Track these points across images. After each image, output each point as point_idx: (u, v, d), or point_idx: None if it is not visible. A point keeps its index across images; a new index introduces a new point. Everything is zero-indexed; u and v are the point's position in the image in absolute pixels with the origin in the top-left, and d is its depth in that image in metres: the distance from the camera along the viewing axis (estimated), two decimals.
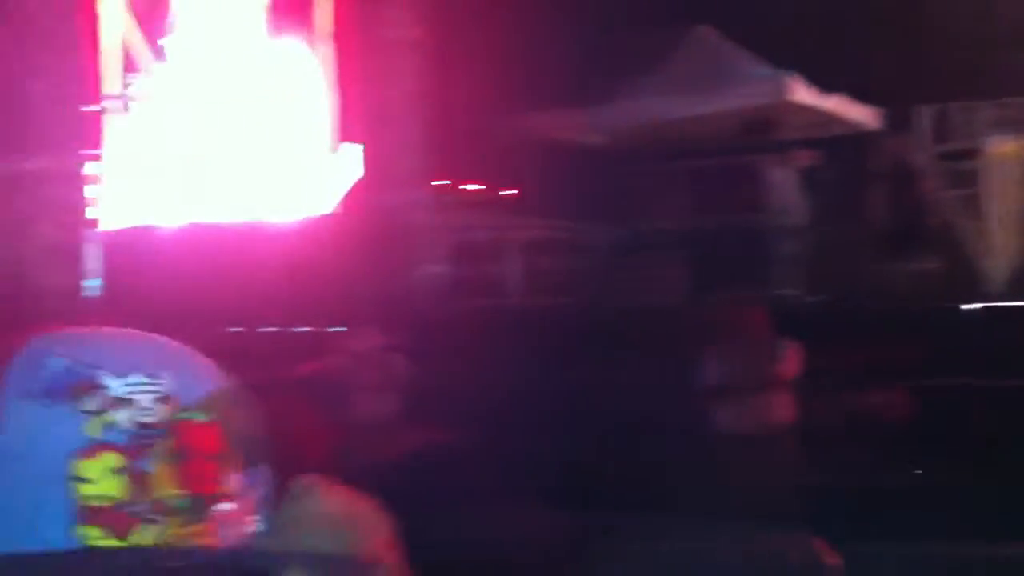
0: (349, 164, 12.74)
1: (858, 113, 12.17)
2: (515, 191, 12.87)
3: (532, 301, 11.22)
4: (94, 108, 14.54)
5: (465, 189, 13.30)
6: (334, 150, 12.70)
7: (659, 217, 11.94)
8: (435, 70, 12.27)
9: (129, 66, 14.35)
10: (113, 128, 14.48)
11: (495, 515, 3.60)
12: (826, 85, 11.89)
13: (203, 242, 13.56)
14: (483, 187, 13.26)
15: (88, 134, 14.57)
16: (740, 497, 7.23)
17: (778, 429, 7.29)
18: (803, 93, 11.86)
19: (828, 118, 11.96)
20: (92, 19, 14.62)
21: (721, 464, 7.30)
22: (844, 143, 12.06)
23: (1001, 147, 11.57)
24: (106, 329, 1.29)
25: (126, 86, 14.34)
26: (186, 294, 12.60)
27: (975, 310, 9.25)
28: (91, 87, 14.56)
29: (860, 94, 12.15)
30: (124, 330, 1.27)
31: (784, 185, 11.72)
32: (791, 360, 7.41)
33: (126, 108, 14.37)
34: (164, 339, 1.29)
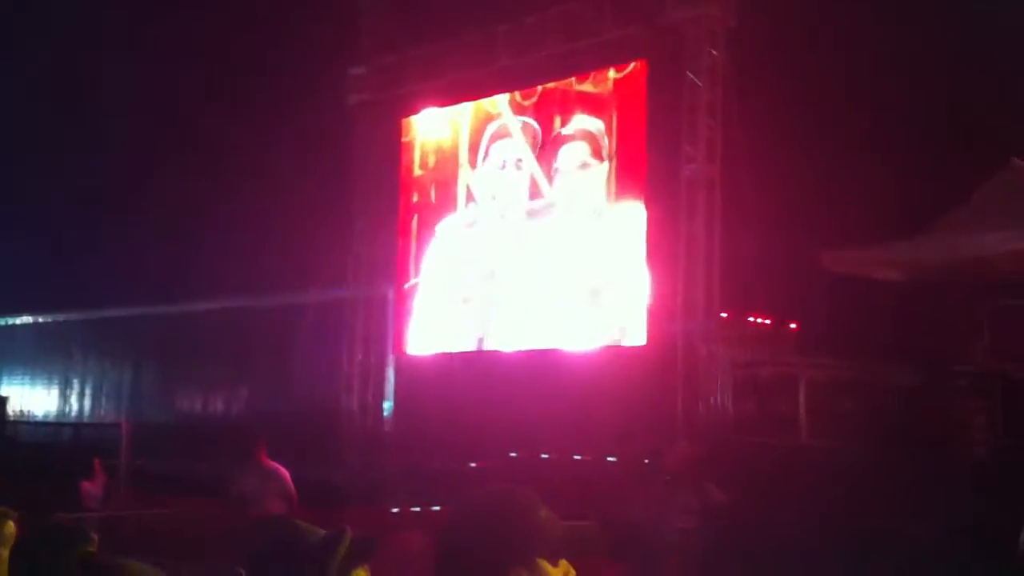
0: (644, 297, 12.91)
1: None
2: (807, 326, 12.57)
3: (818, 441, 10.80)
4: (403, 245, 15.55)
5: (756, 322, 13.12)
6: (635, 285, 12.92)
7: (963, 359, 11.27)
8: (730, 208, 12.32)
9: (442, 202, 15.28)
10: (424, 261, 15.38)
11: None
12: None
13: (492, 370, 14.03)
14: (775, 321, 13.04)
15: (398, 267, 15.59)
16: None
17: None
18: None
19: None
20: (409, 164, 15.77)
21: None
22: None
23: None
24: None
25: (446, 222, 15.26)
26: (476, 419, 13.03)
27: None
28: (404, 224, 15.63)
29: None
30: None
31: None
32: None
33: (438, 243, 15.25)
34: None
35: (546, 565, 2.26)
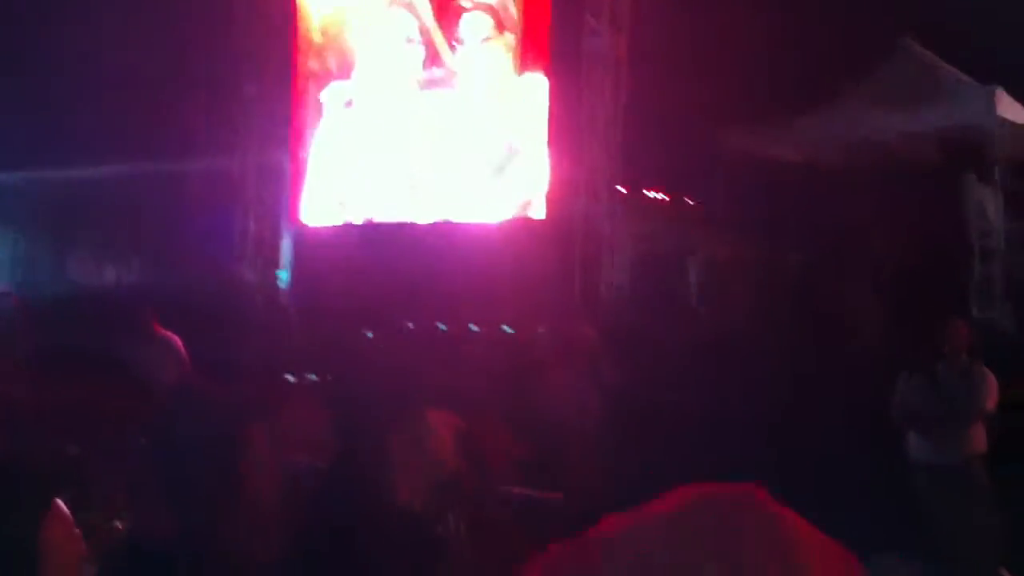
0: (545, 171, 12.85)
1: None
2: (706, 204, 12.71)
3: (712, 316, 11.04)
4: (299, 111, 15.15)
5: (657, 199, 13.22)
6: (538, 159, 12.83)
7: (858, 236, 11.55)
8: (633, 83, 12.25)
9: (342, 72, 14.87)
10: (318, 130, 15.03)
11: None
12: None
13: (393, 241, 13.93)
14: (675, 199, 13.15)
15: (293, 135, 15.21)
16: (930, 526, 6.90)
17: (974, 461, 6.95)
18: (1012, 109, 11.32)
19: None
20: (307, 29, 15.25)
21: (912, 491, 7.02)
22: None
23: None
24: None
25: (331, 90, 14.87)
26: (375, 290, 12.97)
27: None
28: (300, 90, 15.19)
29: None
30: None
31: (989, 205, 11.18)
32: (992, 390, 7.08)
33: (330, 112, 14.88)
34: None
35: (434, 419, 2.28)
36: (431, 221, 13.78)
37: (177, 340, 9.71)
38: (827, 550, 1.24)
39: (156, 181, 17.01)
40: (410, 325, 12.79)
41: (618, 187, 12.33)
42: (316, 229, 15.13)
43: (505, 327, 12.15)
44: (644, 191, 12.96)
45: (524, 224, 13.04)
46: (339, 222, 14.75)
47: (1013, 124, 11.44)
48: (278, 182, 15.67)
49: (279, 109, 15.50)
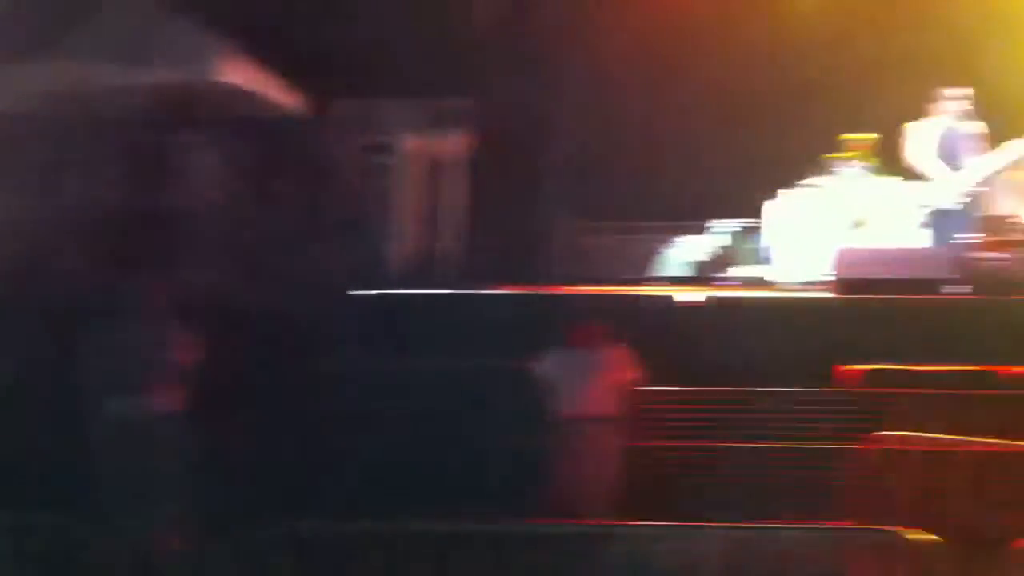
0: None
1: (285, 98, 12.20)
2: None
3: None
4: None
5: None
6: None
7: (72, 191, 11.17)
8: None
9: None
10: None
11: None
12: (256, 64, 11.83)
13: None
14: None
15: None
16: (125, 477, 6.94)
17: (170, 414, 7.10)
18: (230, 72, 11.70)
19: (255, 100, 11.89)
20: None
21: (108, 447, 7.01)
22: (270, 127, 12.06)
23: (411, 144, 12.25)
24: None
25: None
26: None
27: (368, 296, 9.73)
28: None
29: (291, 78, 12.17)
30: None
31: (204, 166, 11.48)
32: (188, 347, 7.27)
33: None
34: None
35: None
36: None
37: None
38: None
39: None
40: None
41: None
42: None
43: None
44: None
45: None
46: None
47: (233, 85, 11.81)
48: None
49: None
